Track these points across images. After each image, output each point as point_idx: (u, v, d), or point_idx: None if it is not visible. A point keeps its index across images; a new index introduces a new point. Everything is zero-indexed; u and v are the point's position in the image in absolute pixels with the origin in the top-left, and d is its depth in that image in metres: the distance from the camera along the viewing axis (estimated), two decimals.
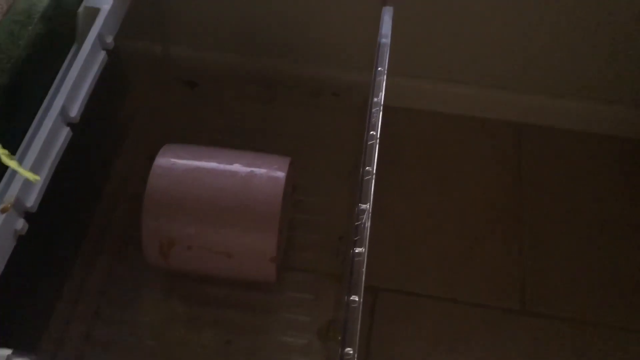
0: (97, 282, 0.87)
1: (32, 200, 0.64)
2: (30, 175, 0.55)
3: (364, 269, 0.59)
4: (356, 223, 0.62)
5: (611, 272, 0.92)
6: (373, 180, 0.65)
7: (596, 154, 1.04)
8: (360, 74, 0.89)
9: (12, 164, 0.52)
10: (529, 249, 0.94)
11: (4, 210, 0.60)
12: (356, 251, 0.61)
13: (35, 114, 0.71)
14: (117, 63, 0.93)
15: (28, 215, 0.65)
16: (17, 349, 0.53)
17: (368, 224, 0.62)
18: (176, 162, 0.79)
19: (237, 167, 0.79)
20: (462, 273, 0.91)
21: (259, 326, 0.84)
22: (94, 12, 0.78)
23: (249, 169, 0.79)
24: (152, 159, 0.83)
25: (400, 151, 1.04)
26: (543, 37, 0.93)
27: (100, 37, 0.77)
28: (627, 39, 0.91)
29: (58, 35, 0.75)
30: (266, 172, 0.79)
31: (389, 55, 0.81)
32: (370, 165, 0.67)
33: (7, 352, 0.53)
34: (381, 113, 0.71)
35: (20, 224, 0.63)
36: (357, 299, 0.58)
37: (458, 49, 0.97)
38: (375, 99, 0.72)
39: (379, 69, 0.74)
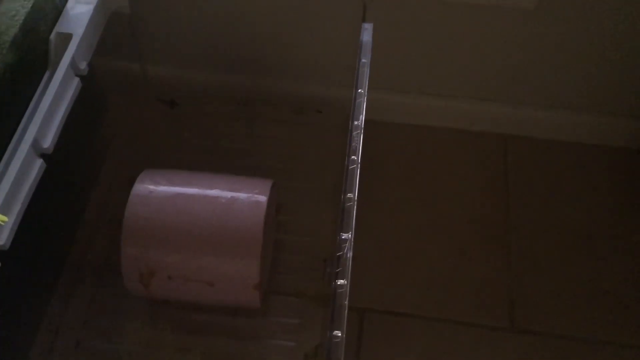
0: (78, 312, 0.85)
1: (4, 238, 0.62)
2: None
3: (346, 302, 0.58)
4: (338, 253, 0.61)
5: (600, 287, 0.91)
6: (355, 208, 0.64)
7: (584, 164, 1.03)
8: (344, 90, 0.87)
9: None
10: (516, 265, 0.93)
11: None
12: (338, 283, 0.59)
13: (6, 146, 0.69)
14: (94, 83, 0.91)
15: (1, 253, 0.63)
16: None
17: (350, 254, 0.61)
18: (154, 189, 0.77)
19: (217, 192, 0.78)
20: (449, 291, 0.90)
21: (245, 353, 0.82)
22: (66, 38, 0.76)
23: (229, 194, 0.77)
24: (132, 182, 0.81)
25: (384, 166, 1.02)
26: (528, 50, 0.92)
27: (73, 63, 0.75)
28: (613, 49, 0.90)
29: (29, 63, 0.73)
30: (247, 197, 0.77)
31: (372, 69, 0.79)
32: (352, 191, 0.65)
33: None
34: (362, 135, 0.70)
35: None
36: (339, 334, 0.56)
37: (442, 61, 0.96)
38: (356, 122, 0.70)
39: (359, 90, 0.73)
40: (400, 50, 0.95)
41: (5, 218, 0.56)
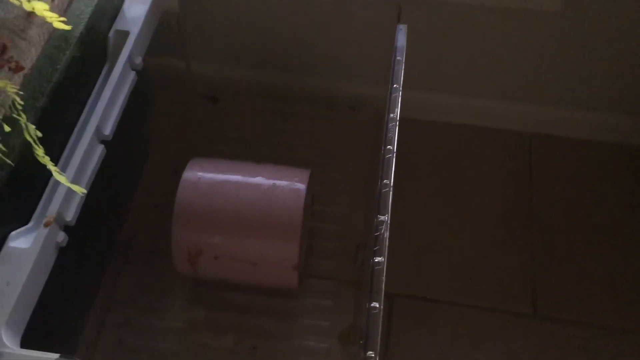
0: (126, 291, 0.91)
1: (71, 215, 0.68)
2: (77, 189, 0.59)
3: (383, 277, 0.63)
4: (375, 234, 0.66)
5: (620, 277, 0.95)
6: (391, 193, 0.69)
7: (605, 161, 1.07)
8: (376, 87, 0.92)
9: (62, 179, 0.57)
10: (540, 255, 0.97)
11: (47, 224, 0.65)
12: (376, 260, 0.64)
13: (71, 132, 0.75)
14: (143, 78, 0.98)
15: (67, 229, 0.69)
16: (63, 354, 0.57)
17: (387, 235, 0.66)
18: (203, 175, 0.83)
19: (260, 179, 0.84)
20: (476, 279, 0.95)
21: (282, 331, 0.88)
22: (124, 34, 0.83)
23: (271, 182, 0.83)
24: (177, 171, 0.87)
25: (415, 161, 1.07)
26: (553, 51, 0.96)
27: (130, 58, 0.81)
28: (635, 50, 0.94)
29: (91, 57, 0.79)
30: (288, 185, 0.83)
31: (405, 69, 0.85)
32: (388, 178, 0.70)
33: (55, 356, 0.57)
34: (397, 128, 0.75)
35: (61, 236, 0.67)
36: (377, 306, 0.61)
37: (470, 62, 1.01)
38: (392, 115, 0.76)
39: (395, 85, 0.78)
40: (431, 50, 1.00)
41: (84, 190, 0.62)
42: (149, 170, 1.03)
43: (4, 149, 0.54)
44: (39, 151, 0.54)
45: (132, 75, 0.82)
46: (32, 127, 0.55)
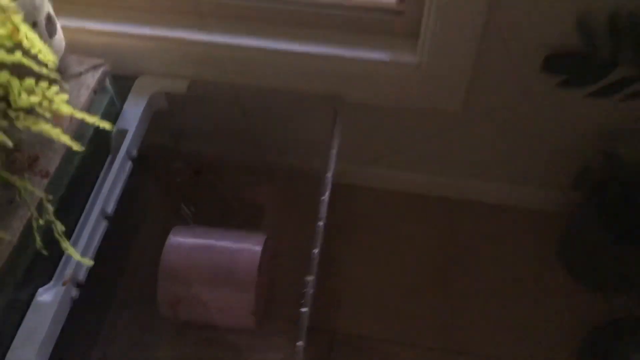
0: (123, 330, 1.14)
1: (82, 275, 0.93)
2: (86, 261, 0.83)
3: (306, 324, 0.87)
4: (303, 290, 0.90)
5: (523, 320, 1.17)
6: (317, 259, 0.93)
7: (514, 223, 1.29)
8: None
9: (77, 257, 0.81)
10: (454, 300, 1.20)
11: (64, 284, 0.89)
12: (302, 310, 0.88)
13: (82, 211, 1.00)
14: (139, 162, 1.22)
15: (79, 285, 0.93)
16: None
17: (312, 291, 0.90)
18: (183, 241, 1.08)
19: (226, 243, 1.08)
20: (400, 319, 1.17)
21: None
22: (123, 132, 1.07)
23: (235, 245, 1.07)
24: (166, 233, 1.11)
25: (357, 221, 1.31)
26: (464, 137, 1.19)
27: (128, 151, 1.06)
28: (526, 138, 1.17)
29: (98, 152, 1.04)
30: (247, 247, 1.07)
31: (350, 146, 1.09)
32: (317, 247, 0.94)
33: None
34: (327, 207, 0.99)
35: (75, 292, 0.91)
36: (302, 344, 0.85)
37: (399, 144, 1.23)
38: (322, 197, 1.00)
39: (327, 175, 1.02)
40: (369, 134, 1.24)
41: (91, 262, 0.86)
42: (143, 232, 1.28)
43: (40, 243, 0.78)
44: (65, 244, 0.78)
45: (129, 164, 1.06)
46: (60, 226, 0.78)
